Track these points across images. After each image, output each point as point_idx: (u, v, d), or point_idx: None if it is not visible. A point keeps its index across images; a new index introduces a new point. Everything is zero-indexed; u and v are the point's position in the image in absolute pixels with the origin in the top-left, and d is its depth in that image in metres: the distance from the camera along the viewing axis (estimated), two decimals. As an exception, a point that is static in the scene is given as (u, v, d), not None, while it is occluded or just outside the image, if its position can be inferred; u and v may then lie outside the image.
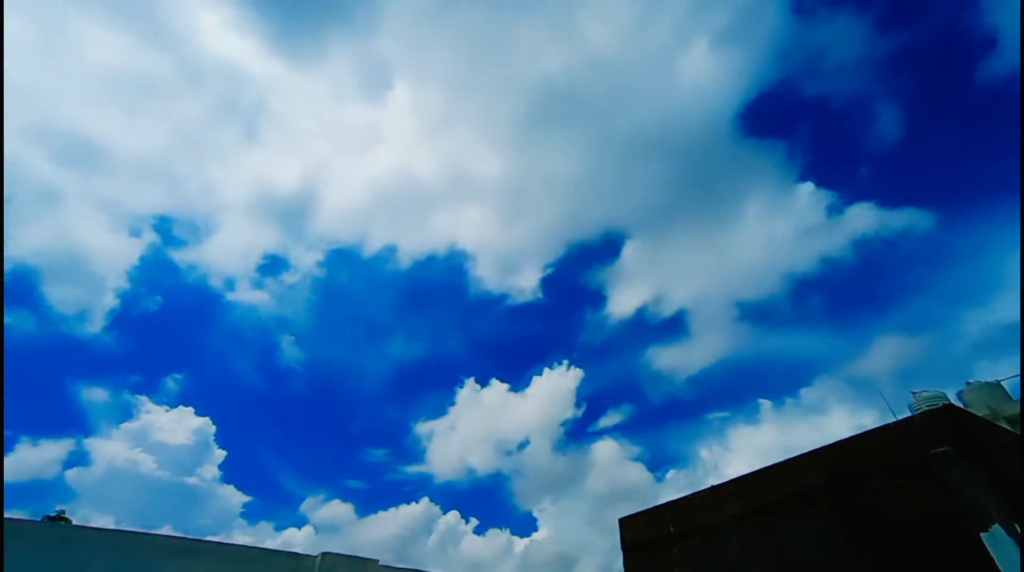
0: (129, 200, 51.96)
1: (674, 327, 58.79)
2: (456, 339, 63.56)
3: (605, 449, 53.19)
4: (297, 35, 52.77)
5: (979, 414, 7.85)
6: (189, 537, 9.99)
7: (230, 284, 55.11)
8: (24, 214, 47.29)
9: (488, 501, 56.41)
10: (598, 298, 62.14)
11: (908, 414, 19.16)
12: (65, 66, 48.87)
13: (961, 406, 15.21)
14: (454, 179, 57.18)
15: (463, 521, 45.76)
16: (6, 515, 7.60)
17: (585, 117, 53.52)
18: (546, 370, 56.55)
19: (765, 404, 50.65)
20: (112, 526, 9.29)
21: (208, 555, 9.55)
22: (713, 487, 7.09)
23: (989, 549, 4.12)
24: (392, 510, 46.10)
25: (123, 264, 49.42)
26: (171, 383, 50.76)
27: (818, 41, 51.84)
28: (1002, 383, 21.17)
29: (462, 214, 58.06)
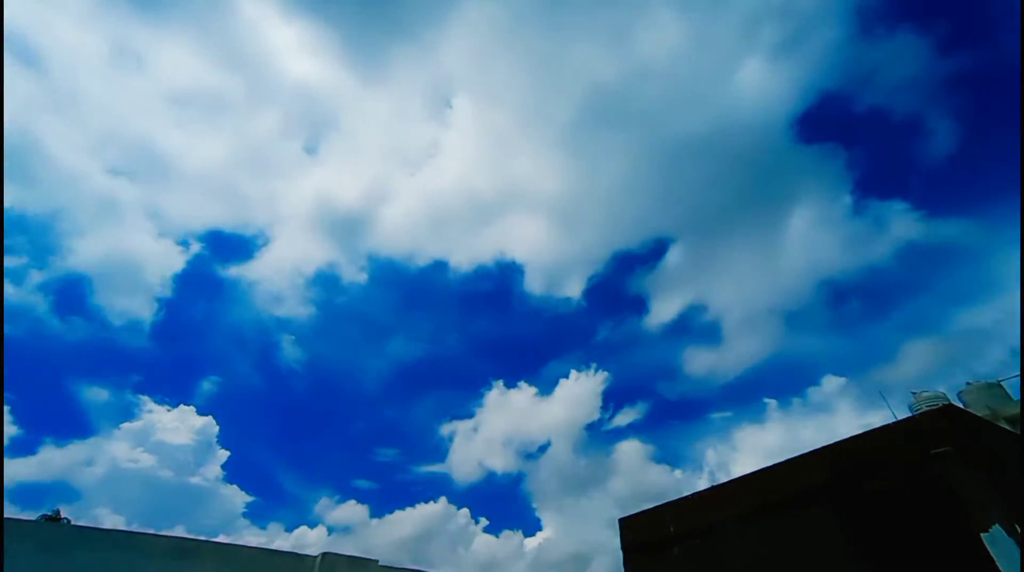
0: (185, 212, 54.49)
1: (710, 332, 59.37)
2: (492, 346, 65.85)
3: (629, 450, 53.61)
4: (365, 54, 55.49)
5: (979, 414, 7.85)
6: (189, 537, 9.99)
7: (276, 296, 57.02)
8: (83, 224, 49.85)
9: (507, 502, 57.38)
10: (639, 304, 63.58)
11: (908, 414, 19.15)
12: (136, 83, 51.39)
13: (961, 406, 15.22)
14: (508, 192, 58.97)
15: (474, 521, 46.25)
16: (6, 515, 7.60)
17: (636, 124, 54.79)
18: (572, 373, 57.46)
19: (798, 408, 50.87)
20: (112, 526, 9.30)
21: (208, 555, 9.55)
22: (713, 487, 7.10)
23: (989, 549, 4.12)
24: (409, 509, 47.08)
25: (168, 273, 51.39)
26: (207, 384, 53.61)
27: (875, 57, 52.41)
28: (1002, 383, 21.16)
29: (514, 226, 59.77)
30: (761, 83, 50.79)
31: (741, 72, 51.46)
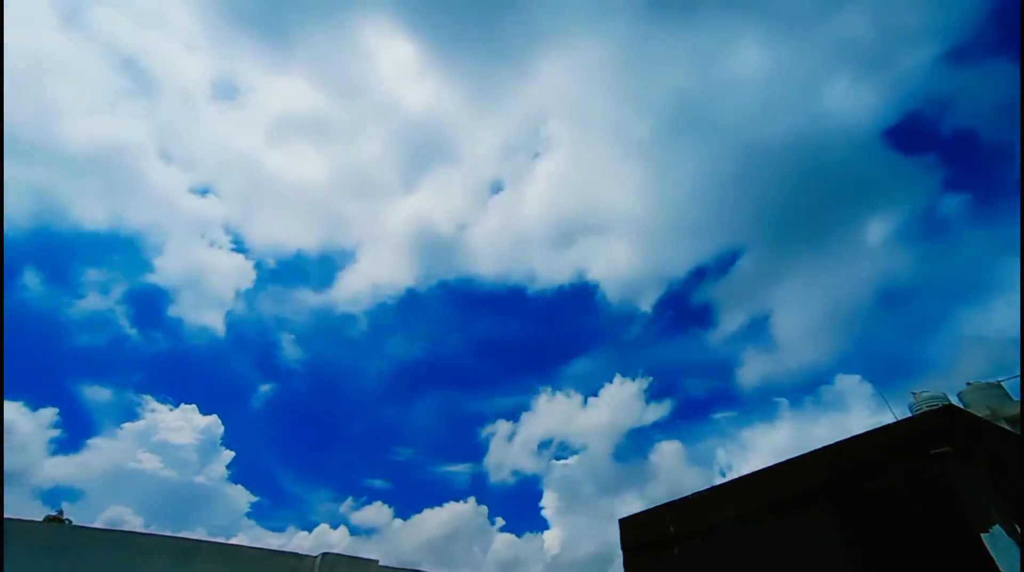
0: (271, 232, 57.22)
1: (772, 340, 59.15)
2: (555, 357, 66.87)
3: (668, 452, 53.95)
4: (468, 80, 57.47)
5: (979, 414, 7.85)
6: (189, 537, 9.99)
7: (350, 313, 58.47)
8: (171, 240, 52.25)
9: (536, 503, 57.69)
10: (707, 315, 63.58)
11: (908, 414, 19.14)
12: (244, 107, 55.10)
13: (961, 406, 15.21)
14: (592, 212, 59.90)
15: (490, 520, 46.90)
16: (6, 515, 7.60)
17: (715, 136, 55.09)
18: (617, 378, 58.12)
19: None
20: (112, 527, 9.30)
21: (208, 555, 9.55)
22: (713, 487, 7.09)
23: (989, 549, 4.12)
24: (438, 508, 47.67)
25: (244, 287, 53.66)
26: (265, 387, 55.98)
27: (963, 80, 51.60)
28: (1002, 383, 21.16)
29: (595, 245, 60.50)
30: (847, 98, 50.98)
31: (827, 87, 51.85)
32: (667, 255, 59.45)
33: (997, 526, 4.20)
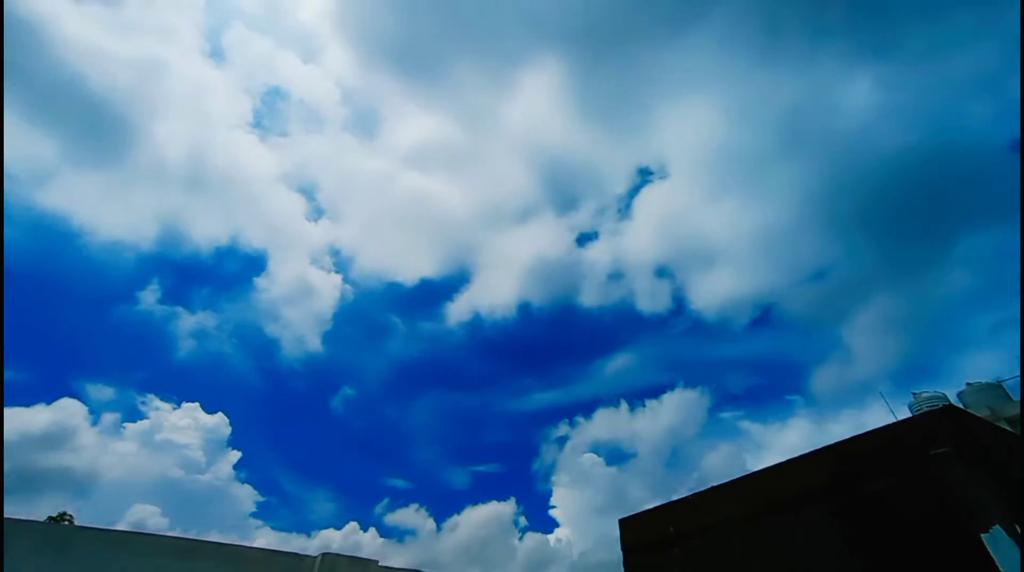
0: (388, 255, 63.20)
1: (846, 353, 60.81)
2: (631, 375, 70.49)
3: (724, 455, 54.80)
4: (596, 119, 62.08)
5: (979, 415, 7.85)
6: (189, 537, 9.99)
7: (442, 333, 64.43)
8: (283, 258, 59.05)
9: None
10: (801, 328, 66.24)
11: (908, 414, 19.13)
12: (380, 140, 62.20)
13: (961, 407, 15.20)
14: (701, 239, 63.75)
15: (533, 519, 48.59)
16: (6, 515, 7.60)
17: (826, 156, 57.55)
18: (678, 389, 62.02)
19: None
20: (112, 527, 9.30)
21: (208, 555, 9.55)
22: (713, 487, 7.09)
23: (989, 549, 4.12)
24: (481, 506, 51.11)
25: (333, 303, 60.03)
26: (348, 389, 63.52)
27: None
28: (1002, 384, 21.16)
29: (697, 271, 64.92)
30: (968, 115, 52.62)
31: (950, 107, 53.93)
32: (771, 275, 62.81)
33: (997, 526, 4.20)
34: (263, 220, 60.38)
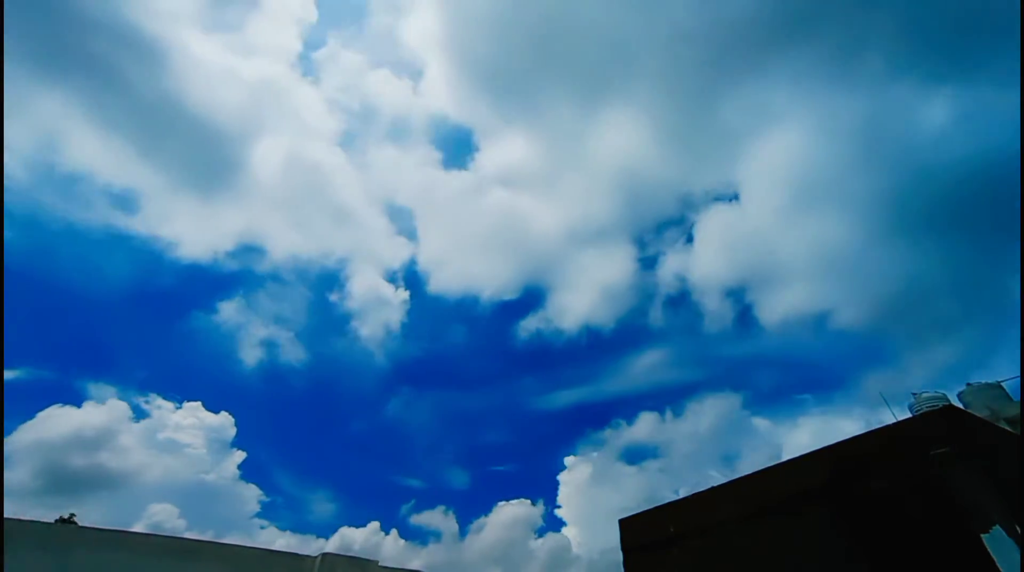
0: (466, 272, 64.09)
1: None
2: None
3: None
4: (684, 152, 62.24)
5: (979, 415, 7.84)
6: (189, 538, 9.99)
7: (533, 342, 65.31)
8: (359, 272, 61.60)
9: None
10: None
11: (909, 415, 19.11)
12: (469, 161, 65.72)
13: (961, 407, 15.20)
14: (768, 257, 62.83)
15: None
16: (6, 515, 7.60)
17: (903, 174, 55.99)
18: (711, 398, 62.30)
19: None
20: (113, 527, 9.30)
21: (208, 556, 9.55)
22: (713, 488, 7.09)
23: (989, 550, 4.12)
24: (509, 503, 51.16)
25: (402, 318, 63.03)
26: (400, 395, 65.33)
27: None
28: (1002, 384, 21.14)
29: (775, 289, 62.91)
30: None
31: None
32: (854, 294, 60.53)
33: (997, 527, 4.20)
34: (346, 235, 63.46)
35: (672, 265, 67.73)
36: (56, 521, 13.67)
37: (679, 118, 63.23)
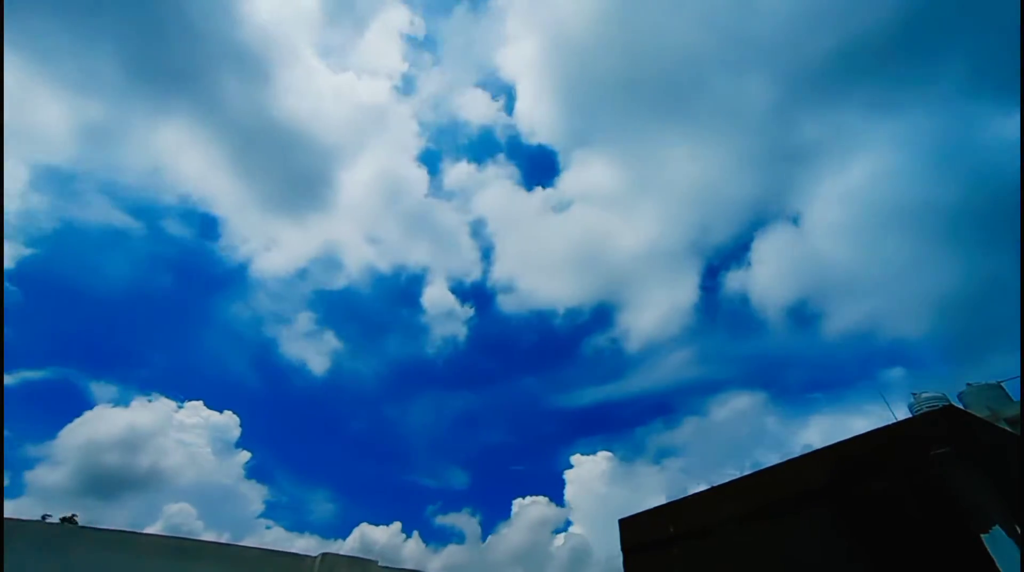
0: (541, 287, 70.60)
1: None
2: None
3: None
4: (748, 167, 66.07)
5: (979, 415, 7.85)
6: (189, 538, 9.99)
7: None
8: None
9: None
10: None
11: (909, 415, 19.10)
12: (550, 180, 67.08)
13: (961, 407, 15.20)
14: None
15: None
16: (6, 515, 7.60)
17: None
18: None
19: None
20: (113, 527, 9.29)
21: (208, 556, 9.55)
22: (713, 487, 7.09)
23: (989, 550, 4.12)
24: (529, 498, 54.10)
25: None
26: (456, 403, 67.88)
27: None
28: (1002, 384, 21.14)
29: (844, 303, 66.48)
30: None
31: None
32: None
33: (997, 527, 4.20)
34: (424, 248, 69.09)
35: (736, 284, 71.40)
36: (60, 521, 13.65)
37: (754, 140, 66.45)
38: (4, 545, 6.72)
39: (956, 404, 17.78)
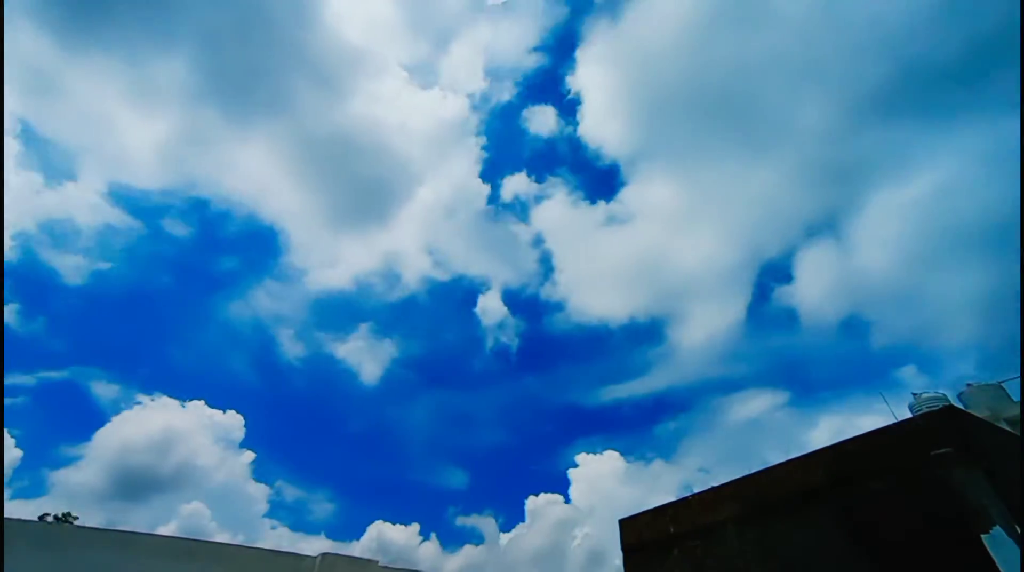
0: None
1: None
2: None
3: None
4: (809, 189, 67.92)
5: (980, 415, 7.85)
6: (189, 538, 9.99)
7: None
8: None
9: None
10: None
11: (909, 415, 19.08)
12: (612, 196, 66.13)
13: (961, 407, 15.20)
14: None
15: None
16: (6, 515, 7.60)
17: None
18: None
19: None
20: (113, 527, 9.29)
21: (208, 556, 9.55)
22: (713, 488, 7.09)
23: (990, 551, 4.12)
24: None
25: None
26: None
27: None
28: (1002, 385, 21.13)
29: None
30: None
31: None
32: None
33: (997, 527, 4.20)
34: (483, 259, 72.15)
35: (785, 299, 73.83)
36: (53, 519, 13.63)
37: (814, 156, 68.92)
38: (4, 545, 6.71)
39: (956, 404, 17.77)
